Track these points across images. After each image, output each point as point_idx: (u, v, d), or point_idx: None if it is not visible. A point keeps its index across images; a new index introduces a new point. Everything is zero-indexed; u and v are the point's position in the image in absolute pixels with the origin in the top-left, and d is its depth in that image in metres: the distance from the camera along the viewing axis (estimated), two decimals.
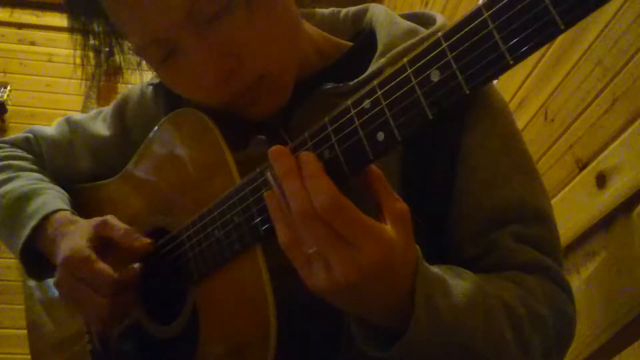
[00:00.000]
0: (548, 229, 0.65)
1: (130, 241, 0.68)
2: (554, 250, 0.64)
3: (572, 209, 1.22)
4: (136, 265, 0.68)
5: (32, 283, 0.91)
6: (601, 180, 1.15)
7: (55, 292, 0.86)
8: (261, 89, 0.62)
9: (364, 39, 0.73)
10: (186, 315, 0.66)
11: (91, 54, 0.69)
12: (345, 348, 0.58)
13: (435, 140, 0.63)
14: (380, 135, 0.46)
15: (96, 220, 0.70)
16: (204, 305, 0.64)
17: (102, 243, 0.68)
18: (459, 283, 0.53)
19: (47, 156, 0.90)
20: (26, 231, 0.75)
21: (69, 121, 0.91)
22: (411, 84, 0.44)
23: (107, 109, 0.90)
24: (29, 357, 0.91)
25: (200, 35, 0.57)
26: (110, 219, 0.70)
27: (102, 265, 0.65)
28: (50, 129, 0.91)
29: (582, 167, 1.22)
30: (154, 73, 0.68)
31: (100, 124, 0.88)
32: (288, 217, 0.48)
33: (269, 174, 0.51)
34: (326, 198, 0.45)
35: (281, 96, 0.65)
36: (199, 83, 0.60)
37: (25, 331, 0.92)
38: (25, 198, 0.78)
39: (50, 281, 0.86)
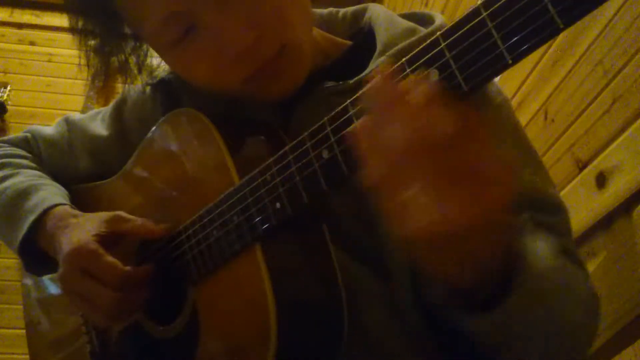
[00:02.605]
0: (562, 216, 0.65)
1: (151, 227, 0.68)
2: (569, 234, 0.64)
3: (572, 209, 1.21)
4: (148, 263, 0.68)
5: (29, 281, 0.91)
6: (601, 180, 1.15)
7: (53, 290, 0.86)
8: (283, 60, 0.62)
9: (363, 38, 0.73)
10: (186, 316, 0.66)
11: (92, 54, 0.69)
12: (346, 348, 0.58)
13: None
14: None
15: (106, 215, 0.70)
16: (203, 305, 0.64)
17: (109, 240, 0.68)
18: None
19: (45, 156, 0.90)
20: (25, 226, 0.74)
21: (67, 121, 0.91)
22: None
23: (106, 109, 0.90)
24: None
25: (221, 7, 0.57)
26: (122, 213, 0.70)
27: (112, 259, 0.65)
28: (48, 129, 0.92)
29: (582, 167, 1.22)
30: (167, 59, 0.67)
31: (99, 124, 0.88)
32: (384, 151, 0.42)
33: (358, 103, 0.45)
34: (448, 124, 0.39)
35: (301, 69, 0.65)
36: (221, 59, 0.60)
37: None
38: (24, 194, 0.78)
39: (47, 279, 0.86)
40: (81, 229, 0.69)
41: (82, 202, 0.83)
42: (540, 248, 0.56)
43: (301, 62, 0.65)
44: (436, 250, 0.42)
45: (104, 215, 0.71)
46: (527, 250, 0.51)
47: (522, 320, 0.49)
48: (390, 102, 0.41)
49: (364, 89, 0.44)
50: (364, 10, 0.77)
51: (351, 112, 0.47)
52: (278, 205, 0.55)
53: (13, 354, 2.36)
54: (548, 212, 0.63)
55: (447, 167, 0.39)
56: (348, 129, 0.46)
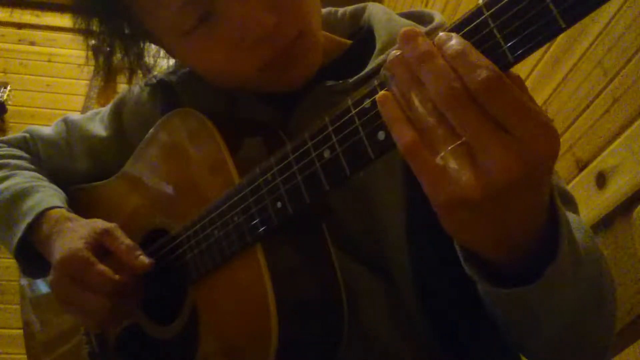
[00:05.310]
0: (574, 208, 0.63)
1: (132, 259, 0.66)
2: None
3: None
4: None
5: (25, 282, 0.91)
6: (601, 180, 1.15)
7: (49, 292, 0.86)
8: (299, 46, 0.62)
9: (362, 37, 0.73)
10: (185, 316, 0.66)
11: (94, 53, 0.69)
12: (346, 348, 0.58)
13: None
14: (381, 135, 0.45)
15: (98, 226, 0.69)
16: (203, 305, 0.64)
17: (101, 247, 0.67)
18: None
19: (44, 156, 0.89)
20: (21, 228, 0.74)
21: (66, 121, 0.91)
22: None
23: (105, 110, 0.90)
24: None
25: None
26: (114, 229, 0.69)
27: (103, 267, 0.65)
28: (47, 129, 0.91)
29: (582, 167, 1.22)
30: (181, 50, 0.67)
31: (97, 125, 0.88)
32: (415, 113, 0.40)
33: (383, 71, 0.43)
34: (489, 72, 0.36)
35: (316, 56, 0.66)
36: (240, 45, 0.60)
37: None
38: (21, 195, 0.78)
39: (44, 280, 0.86)
40: (73, 236, 0.68)
41: (80, 203, 0.83)
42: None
43: (316, 49, 0.65)
44: (478, 209, 0.38)
45: (97, 225, 0.70)
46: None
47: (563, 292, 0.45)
48: (422, 57, 0.39)
49: (391, 53, 0.42)
50: (363, 10, 0.77)
51: (353, 112, 0.47)
52: (279, 204, 0.55)
53: (13, 354, 2.36)
54: (568, 204, 0.62)
55: (488, 119, 0.37)
56: (376, 97, 0.43)
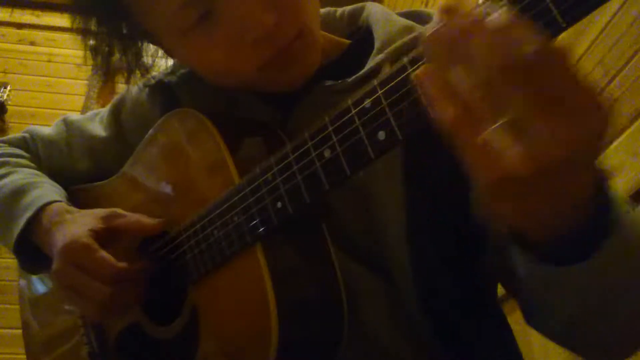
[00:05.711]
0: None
1: (142, 223, 0.68)
2: None
3: None
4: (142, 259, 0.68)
5: (24, 283, 0.91)
6: None
7: (49, 291, 0.86)
8: (299, 46, 0.62)
9: (361, 37, 0.73)
10: (185, 316, 0.66)
11: (93, 54, 0.69)
12: (346, 347, 0.58)
13: (437, 133, 0.62)
14: (382, 135, 0.45)
15: (102, 210, 0.71)
16: (203, 305, 0.64)
17: (105, 236, 0.68)
18: None
19: (44, 156, 0.90)
20: (21, 223, 0.75)
21: (66, 121, 0.91)
22: (413, 84, 0.44)
23: (105, 110, 0.90)
24: None
25: None
26: (118, 210, 0.71)
27: (104, 254, 0.65)
28: (47, 130, 0.92)
29: None
30: (180, 50, 0.67)
31: (97, 125, 0.88)
32: (458, 89, 0.37)
33: (421, 45, 0.40)
34: (537, 46, 0.34)
35: (315, 55, 0.66)
36: (240, 44, 0.60)
37: None
38: (20, 192, 0.78)
39: (43, 280, 0.86)
40: (76, 224, 0.69)
41: (80, 202, 0.83)
42: None
43: (315, 48, 0.65)
44: (527, 186, 0.37)
45: (99, 211, 0.71)
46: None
47: (620, 270, 0.44)
48: (464, 31, 0.36)
49: (428, 27, 0.39)
50: (362, 9, 0.77)
51: (353, 112, 0.47)
52: (279, 204, 0.55)
53: (13, 354, 2.36)
54: None
55: (536, 93, 0.35)
56: (415, 73, 0.40)
